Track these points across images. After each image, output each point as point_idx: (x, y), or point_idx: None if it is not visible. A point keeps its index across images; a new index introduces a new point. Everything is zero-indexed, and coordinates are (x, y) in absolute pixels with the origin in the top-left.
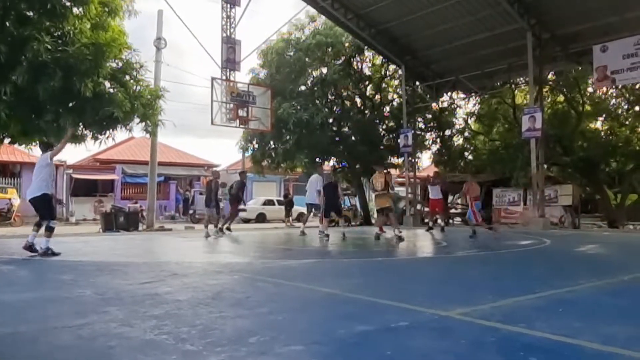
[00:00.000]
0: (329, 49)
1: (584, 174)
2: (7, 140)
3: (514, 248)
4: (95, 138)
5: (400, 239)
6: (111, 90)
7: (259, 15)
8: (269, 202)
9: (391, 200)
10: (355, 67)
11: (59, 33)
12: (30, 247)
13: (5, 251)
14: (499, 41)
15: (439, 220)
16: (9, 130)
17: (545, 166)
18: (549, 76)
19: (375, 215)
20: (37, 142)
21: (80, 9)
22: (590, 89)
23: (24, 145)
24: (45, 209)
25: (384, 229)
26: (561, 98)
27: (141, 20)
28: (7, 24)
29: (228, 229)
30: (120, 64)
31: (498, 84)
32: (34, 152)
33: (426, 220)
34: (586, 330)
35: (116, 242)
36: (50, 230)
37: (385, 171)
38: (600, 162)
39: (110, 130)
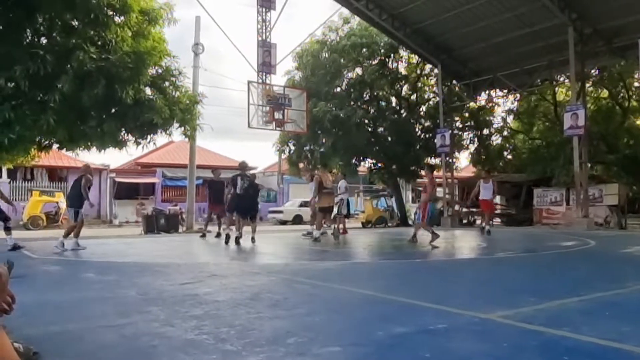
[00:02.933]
0: (364, 50)
1: (631, 173)
2: (55, 146)
3: (557, 249)
4: (137, 143)
5: (317, 240)
6: (151, 96)
7: (294, 18)
8: (305, 204)
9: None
10: (391, 67)
11: (102, 42)
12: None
13: (53, 253)
14: (538, 37)
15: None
16: (57, 136)
17: (589, 165)
18: (592, 71)
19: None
20: (83, 147)
21: (122, 18)
22: (636, 84)
23: (70, 151)
24: None
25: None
26: (605, 94)
27: (181, 28)
28: (54, 34)
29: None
30: (160, 71)
31: (538, 81)
32: (80, 156)
33: (477, 222)
34: (635, 334)
35: (157, 244)
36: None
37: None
38: None
39: (151, 135)
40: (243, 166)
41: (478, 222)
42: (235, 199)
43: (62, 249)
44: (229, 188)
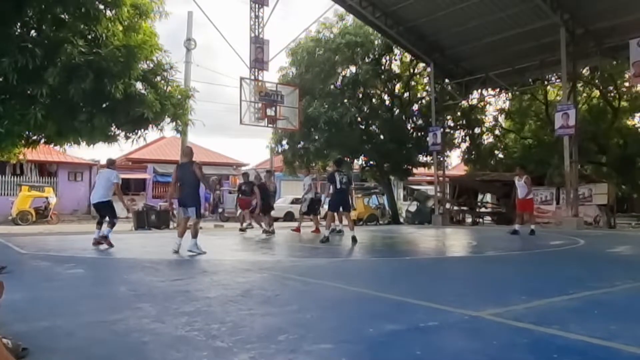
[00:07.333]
0: (358, 48)
1: (620, 172)
2: (43, 141)
3: (547, 248)
4: (127, 138)
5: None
6: (142, 91)
7: (288, 14)
8: (297, 201)
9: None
10: (384, 66)
11: (92, 36)
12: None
13: (42, 248)
14: (530, 37)
15: (531, 225)
16: (46, 130)
17: (580, 165)
18: (583, 71)
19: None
20: (72, 142)
21: (113, 12)
22: (627, 84)
23: (59, 145)
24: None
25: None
26: (596, 93)
27: (177, 25)
28: (44, 27)
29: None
30: (151, 65)
31: (530, 80)
32: (69, 152)
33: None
34: (623, 332)
35: (148, 240)
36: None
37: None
38: (638, 160)
39: (142, 130)
40: (339, 163)
41: (468, 220)
42: (338, 195)
43: (200, 251)
44: (327, 186)
